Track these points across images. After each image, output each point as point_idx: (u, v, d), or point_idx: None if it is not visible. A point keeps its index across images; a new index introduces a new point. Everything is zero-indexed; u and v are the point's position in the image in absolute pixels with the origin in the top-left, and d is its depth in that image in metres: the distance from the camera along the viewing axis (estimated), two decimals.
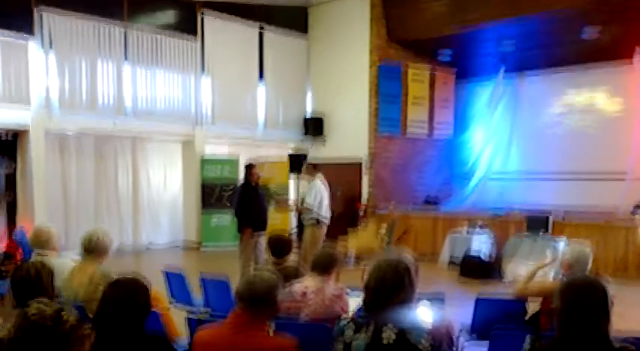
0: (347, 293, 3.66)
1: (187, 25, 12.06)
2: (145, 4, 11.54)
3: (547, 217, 9.07)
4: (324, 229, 7.71)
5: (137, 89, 11.28)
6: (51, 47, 10.14)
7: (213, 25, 12.33)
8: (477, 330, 3.98)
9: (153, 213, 12.61)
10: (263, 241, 7.08)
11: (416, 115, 12.67)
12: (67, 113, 10.36)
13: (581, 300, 2.13)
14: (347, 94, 12.93)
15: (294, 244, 5.71)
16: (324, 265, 3.62)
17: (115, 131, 11.12)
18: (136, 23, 11.30)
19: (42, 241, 4.33)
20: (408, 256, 2.44)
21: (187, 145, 12.52)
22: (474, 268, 8.92)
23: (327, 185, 7.94)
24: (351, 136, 12.78)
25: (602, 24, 9.87)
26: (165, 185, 12.87)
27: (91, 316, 2.70)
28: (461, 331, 4.19)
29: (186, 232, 12.80)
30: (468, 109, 13.61)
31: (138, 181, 12.38)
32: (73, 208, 11.35)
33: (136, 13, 11.33)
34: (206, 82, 12.31)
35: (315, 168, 7.80)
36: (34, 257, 4.16)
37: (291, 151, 12.96)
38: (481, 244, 9.68)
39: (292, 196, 12.66)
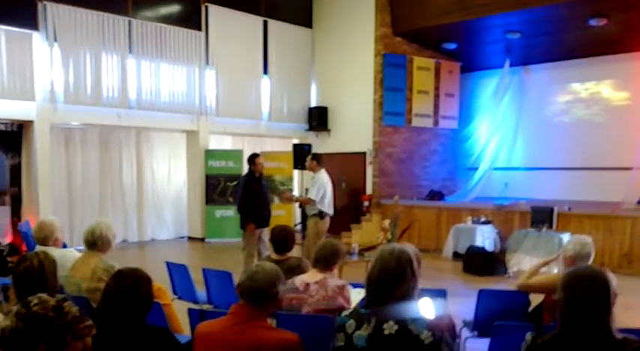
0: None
1: (192, 18, 12.03)
2: None
3: (552, 209, 8.99)
4: (328, 221, 7.62)
5: (141, 82, 11.27)
6: (55, 40, 10.15)
7: (218, 17, 12.29)
8: (480, 323, 3.96)
9: (157, 206, 12.66)
10: (266, 235, 7.06)
11: (421, 107, 12.59)
12: (72, 106, 10.39)
13: (584, 290, 2.12)
14: (351, 85, 12.89)
15: (298, 238, 5.67)
16: (327, 258, 3.60)
17: (120, 124, 11.13)
18: (141, 16, 11.28)
19: (45, 234, 4.36)
20: (410, 247, 2.45)
21: (191, 137, 12.53)
22: (477, 260, 8.90)
23: (331, 181, 7.82)
24: (355, 128, 12.74)
25: (608, 14, 9.77)
26: (170, 178, 12.91)
27: (95, 306, 2.70)
28: (464, 324, 4.19)
29: (190, 225, 12.85)
30: (473, 100, 13.53)
31: (142, 174, 12.43)
32: (77, 201, 11.42)
33: (140, 6, 11.31)
34: (210, 74, 12.28)
35: (319, 161, 7.70)
36: (38, 249, 4.18)
37: (295, 141, 12.94)
38: (485, 236, 9.68)
39: (296, 187, 12.68)
